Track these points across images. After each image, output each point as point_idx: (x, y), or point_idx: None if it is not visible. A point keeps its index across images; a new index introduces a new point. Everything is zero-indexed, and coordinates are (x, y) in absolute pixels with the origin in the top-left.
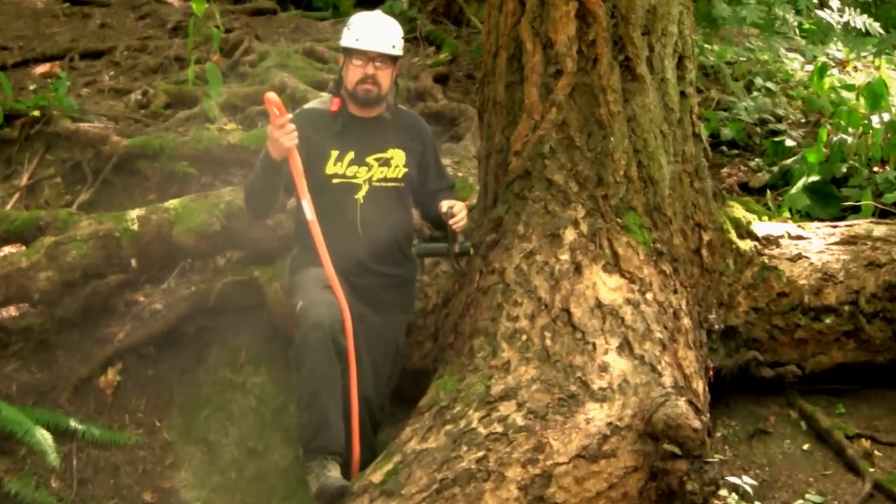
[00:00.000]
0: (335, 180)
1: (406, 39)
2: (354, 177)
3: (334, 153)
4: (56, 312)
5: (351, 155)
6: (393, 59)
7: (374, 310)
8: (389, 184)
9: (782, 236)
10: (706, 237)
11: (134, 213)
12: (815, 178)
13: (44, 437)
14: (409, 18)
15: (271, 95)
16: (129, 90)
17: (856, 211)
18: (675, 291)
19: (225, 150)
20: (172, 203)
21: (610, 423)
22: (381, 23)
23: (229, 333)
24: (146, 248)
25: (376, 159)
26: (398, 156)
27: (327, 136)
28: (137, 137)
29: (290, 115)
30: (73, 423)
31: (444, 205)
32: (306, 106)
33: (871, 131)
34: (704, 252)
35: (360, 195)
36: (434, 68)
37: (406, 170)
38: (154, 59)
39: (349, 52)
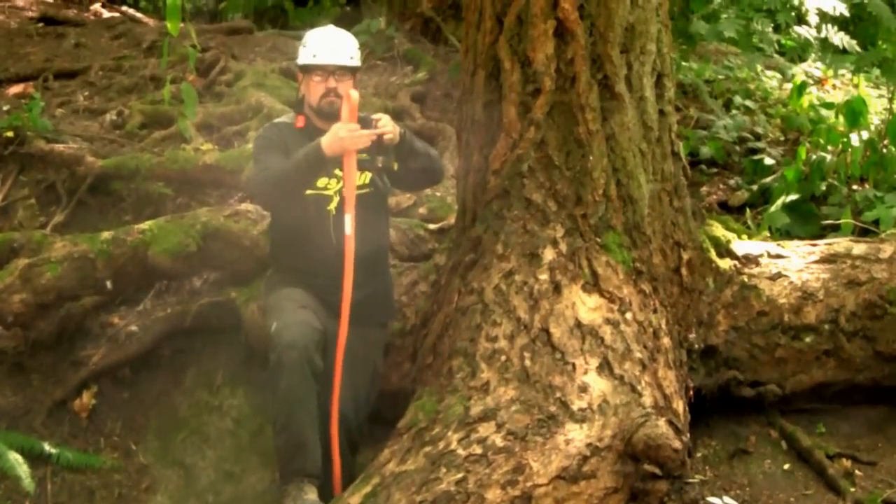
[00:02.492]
0: (307, 192)
1: (383, 58)
2: (325, 188)
3: None
4: (30, 335)
5: None
6: (352, 71)
7: (351, 328)
8: (359, 191)
9: (762, 255)
10: (686, 256)
11: (109, 235)
12: (794, 196)
13: (17, 461)
14: (386, 37)
15: (355, 96)
16: (103, 110)
17: (835, 229)
18: (655, 311)
19: (201, 171)
20: (148, 224)
21: (590, 444)
22: (336, 36)
23: (206, 355)
24: (121, 269)
25: None
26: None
27: (294, 149)
28: (112, 158)
29: (355, 125)
30: (47, 447)
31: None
32: (274, 121)
33: (850, 149)
34: (684, 271)
35: (332, 206)
36: (411, 87)
37: (371, 175)
38: (129, 78)
39: (308, 69)
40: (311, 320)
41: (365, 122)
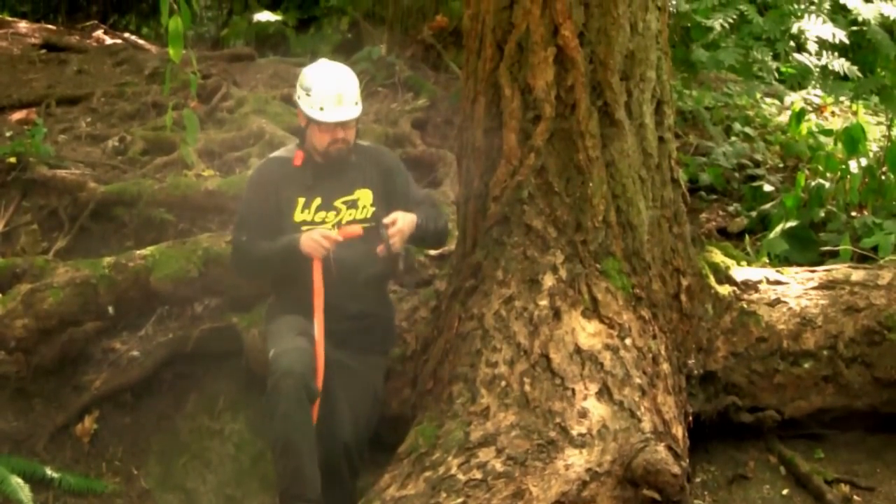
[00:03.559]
0: (304, 227)
1: (384, 85)
2: (323, 222)
3: (301, 201)
4: (32, 360)
5: (318, 201)
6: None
7: (352, 355)
8: (361, 225)
9: (761, 281)
10: (685, 282)
11: (111, 260)
12: (793, 223)
13: (19, 485)
14: (387, 64)
15: (354, 230)
16: (105, 136)
17: (834, 256)
18: (655, 337)
19: (202, 197)
20: (150, 250)
21: (589, 469)
22: (340, 84)
23: (207, 380)
24: (123, 295)
25: (344, 202)
26: (365, 196)
27: (294, 185)
28: (114, 184)
29: (340, 238)
30: (49, 472)
31: (389, 217)
32: (271, 155)
33: (848, 176)
34: (683, 297)
35: None
36: (412, 114)
37: (374, 209)
38: (131, 105)
39: (313, 119)
40: (308, 347)
41: (375, 230)
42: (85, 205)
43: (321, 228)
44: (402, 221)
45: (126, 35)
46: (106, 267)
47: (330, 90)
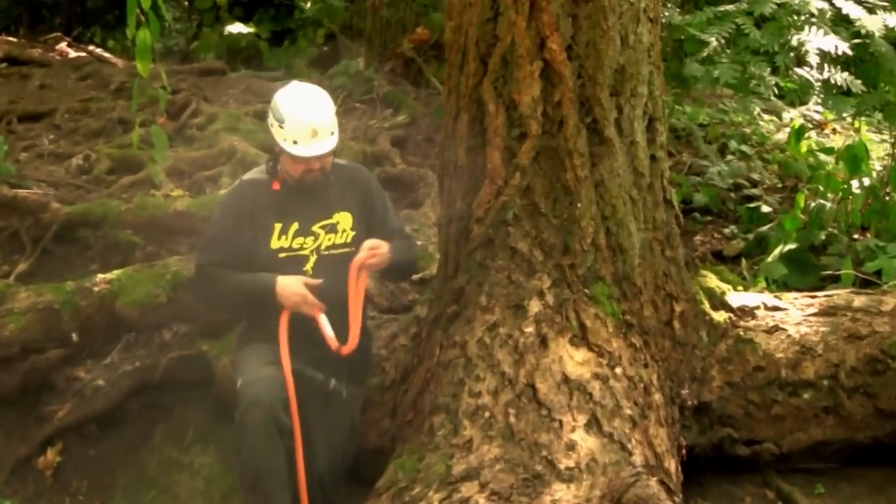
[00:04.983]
0: (281, 255)
1: (362, 101)
2: (301, 248)
3: (277, 226)
4: None
5: (295, 226)
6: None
7: (329, 382)
8: (338, 251)
9: (758, 307)
10: (678, 308)
11: (75, 285)
12: (792, 245)
13: None
14: (365, 79)
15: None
16: (70, 154)
17: (835, 280)
18: (646, 365)
19: (171, 218)
20: (116, 274)
21: None
22: (314, 116)
23: (176, 411)
24: (88, 321)
25: (322, 227)
26: (344, 219)
27: (269, 209)
28: (79, 204)
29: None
30: None
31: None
32: (245, 177)
33: (850, 197)
34: (676, 324)
35: (308, 266)
36: (392, 131)
37: (354, 233)
38: (96, 121)
39: (286, 152)
40: (277, 377)
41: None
42: (48, 226)
43: (300, 278)
44: (379, 257)
45: (91, 48)
46: (70, 292)
47: (303, 123)
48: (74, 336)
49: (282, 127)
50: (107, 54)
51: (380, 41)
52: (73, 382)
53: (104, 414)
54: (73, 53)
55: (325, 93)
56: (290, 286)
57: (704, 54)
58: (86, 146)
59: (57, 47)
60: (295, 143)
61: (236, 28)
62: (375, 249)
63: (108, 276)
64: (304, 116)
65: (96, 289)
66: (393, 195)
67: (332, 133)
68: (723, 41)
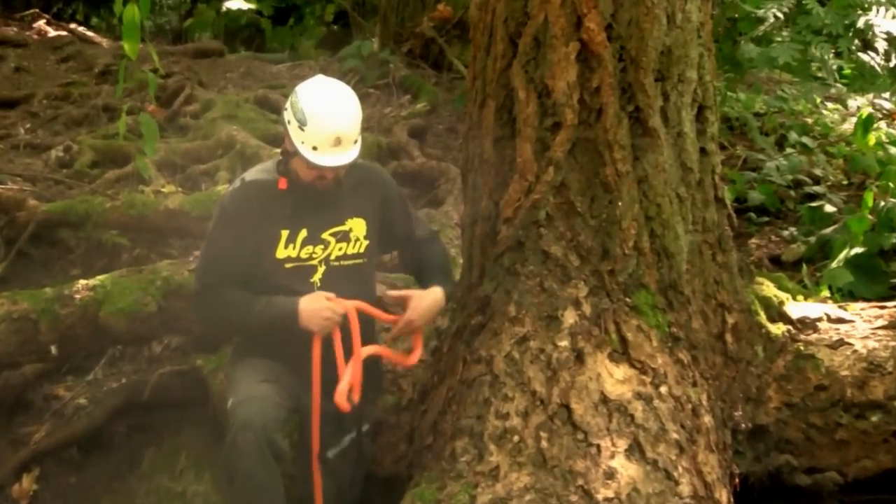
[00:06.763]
0: (288, 265)
1: (376, 86)
2: (309, 258)
3: (285, 233)
4: None
5: (304, 233)
6: None
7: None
8: (349, 261)
9: (820, 319)
10: (731, 320)
11: (54, 292)
12: (859, 250)
13: None
14: (380, 61)
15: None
16: (48, 146)
17: None
18: (695, 384)
19: (162, 217)
20: (100, 279)
21: None
22: (340, 123)
23: (167, 434)
24: (68, 332)
25: (333, 234)
26: (358, 226)
27: (276, 214)
28: (59, 202)
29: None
30: None
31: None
32: (248, 178)
33: None
34: (729, 337)
35: (316, 278)
36: (409, 120)
37: (367, 242)
38: (78, 108)
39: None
40: (272, 395)
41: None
42: (24, 226)
43: (321, 294)
44: (415, 312)
45: (73, 26)
46: (48, 299)
47: (328, 130)
48: (53, 349)
49: (302, 129)
50: (90, 33)
51: (396, 19)
52: (52, 401)
53: (86, 436)
54: (52, 32)
55: (354, 94)
56: (315, 308)
57: (761, 32)
58: (66, 136)
59: (34, 25)
60: (314, 149)
61: (235, 4)
62: (411, 324)
63: (92, 282)
64: (330, 123)
65: (78, 296)
66: (411, 192)
67: (356, 142)
68: (781, 18)
